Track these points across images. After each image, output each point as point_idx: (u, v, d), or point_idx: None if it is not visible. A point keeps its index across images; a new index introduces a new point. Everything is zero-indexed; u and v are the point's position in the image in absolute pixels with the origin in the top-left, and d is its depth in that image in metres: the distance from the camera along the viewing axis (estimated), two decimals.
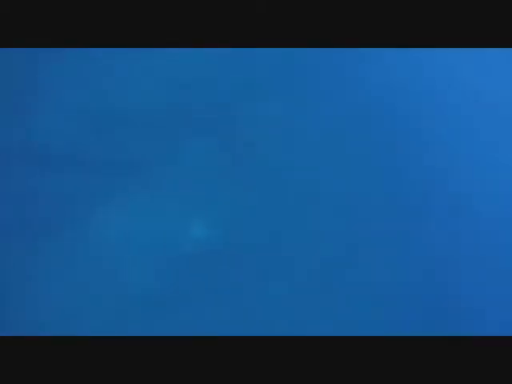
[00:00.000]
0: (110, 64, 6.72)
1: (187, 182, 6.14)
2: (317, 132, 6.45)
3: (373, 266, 5.82)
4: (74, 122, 6.39)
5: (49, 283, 5.62)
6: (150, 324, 5.49)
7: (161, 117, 6.48)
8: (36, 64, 6.68)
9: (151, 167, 6.20)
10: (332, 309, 5.62)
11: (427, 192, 6.19)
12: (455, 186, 6.23)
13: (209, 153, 6.30)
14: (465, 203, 6.16)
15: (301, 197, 6.12)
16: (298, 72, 6.79)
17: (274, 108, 6.56)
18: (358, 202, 6.12)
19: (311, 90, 6.68)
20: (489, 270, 5.86)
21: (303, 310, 5.61)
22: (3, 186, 6.02)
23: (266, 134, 6.41)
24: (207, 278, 5.71)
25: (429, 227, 6.03)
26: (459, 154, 6.41)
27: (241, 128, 6.44)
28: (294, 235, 5.93)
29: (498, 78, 6.82)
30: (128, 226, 5.90)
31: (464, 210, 6.13)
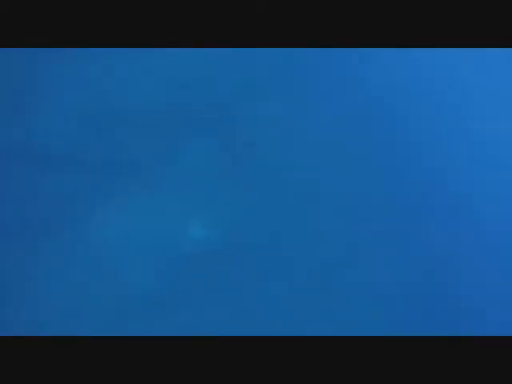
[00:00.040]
0: (110, 64, 6.72)
1: (187, 182, 6.15)
2: (317, 132, 6.45)
3: (373, 266, 5.83)
4: (73, 122, 6.39)
5: (49, 283, 5.63)
6: (149, 324, 5.49)
7: (161, 117, 6.48)
8: (36, 64, 6.68)
9: (151, 167, 6.20)
10: (332, 309, 5.62)
11: (427, 192, 6.19)
12: (455, 186, 6.23)
13: (209, 153, 6.30)
14: (464, 203, 6.16)
15: (301, 197, 6.12)
16: (298, 72, 6.79)
17: (274, 108, 6.56)
18: (358, 202, 6.12)
19: (311, 90, 6.68)
20: (489, 270, 5.86)
21: (303, 310, 5.61)
22: (3, 186, 6.03)
23: (265, 134, 6.41)
24: (207, 278, 5.71)
25: (429, 227, 6.03)
26: (459, 154, 6.41)
27: (241, 128, 6.44)
28: (293, 235, 5.93)
29: (497, 77, 6.82)
30: (128, 226, 5.91)
31: (464, 210, 6.13)
